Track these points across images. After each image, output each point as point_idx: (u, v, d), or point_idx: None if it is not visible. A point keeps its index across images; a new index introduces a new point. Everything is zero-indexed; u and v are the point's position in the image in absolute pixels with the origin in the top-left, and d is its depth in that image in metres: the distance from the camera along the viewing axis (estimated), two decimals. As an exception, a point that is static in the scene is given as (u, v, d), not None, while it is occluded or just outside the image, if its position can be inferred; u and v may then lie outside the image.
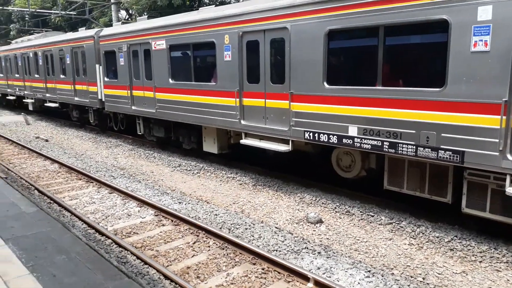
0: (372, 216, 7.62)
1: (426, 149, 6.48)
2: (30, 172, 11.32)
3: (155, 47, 12.03)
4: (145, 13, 20.98)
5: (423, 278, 5.62)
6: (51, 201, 8.77)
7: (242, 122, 9.63)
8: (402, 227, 7.17)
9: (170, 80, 11.69)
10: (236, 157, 11.80)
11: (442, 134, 6.26)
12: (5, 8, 31.08)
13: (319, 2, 7.56)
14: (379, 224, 7.35)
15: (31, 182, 10.00)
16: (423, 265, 5.97)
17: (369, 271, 5.73)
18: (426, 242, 6.66)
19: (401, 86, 6.85)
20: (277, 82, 8.68)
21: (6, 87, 25.45)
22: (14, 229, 6.01)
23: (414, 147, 6.62)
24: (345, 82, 7.54)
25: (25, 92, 22.71)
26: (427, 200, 7.28)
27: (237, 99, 9.59)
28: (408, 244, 6.63)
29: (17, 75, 23.46)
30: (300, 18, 7.90)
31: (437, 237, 6.71)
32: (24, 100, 23.37)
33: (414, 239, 6.78)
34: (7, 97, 26.06)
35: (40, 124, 20.99)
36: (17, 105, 26.12)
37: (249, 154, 11.54)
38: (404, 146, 6.75)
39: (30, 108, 22.77)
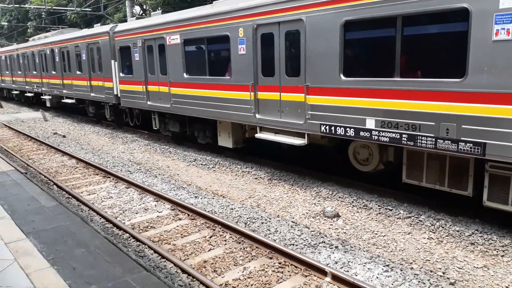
0: (390, 210, 7.51)
1: (446, 141, 6.34)
2: (49, 167, 11.50)
3: (169, 42, 12.05)
4: (159, 8, 21.02)
5: (443, 273, 5.51)
6: (70, 196, 8.89)
7: (257, 116, 9.58)
8: (421, 221, 7.05)
9: (185, 75, 11.70)
10: (251, 151, 11.78)
11: (463, 126, 6.11)
12: (22, 6, 31.55)
13: (335, -7, 7.43)
14: (398, 218, 7.24)
15: (49, 177, 10.16)
16: (443, 260, 5.86)
17: (387, 265, 5.64)
18: (446, 236, 6.53)
19: (420, 77, 6.70)
20: (292, 75, 8.59)
21: (25, 84, 25.89)
22: (35, 223, 6.11)
23: (434, 140, 6.48)
24: (362, 73, 7.42)
25: (43, 88, 23.07)
26: (446, 194, 7.14)
27: (252, 93, 9.54)
28: (428, 238, 6.52)
29: (34, 72, 23.84)
30: (316, 10, 7.79)
31: (457, 231, 6.58)
32: (42, 97, 23.75)
33: (434, 233, 6.67)
34: (26, 94, 26.52)
35: (57, 120, 21.31)
36: (35, 102, 26.57)
37: (264, 148, 11.50)
38: (423, 138, 6.61)
39: (48, 104, 23.13)
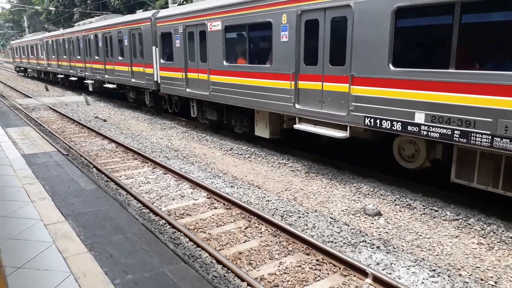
0: (436, 210, 7.08)
1: (504, 140, 5.84)
2: (89, 150, 11.72)
3: (210, 29, 11.91)
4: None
5: (495, 282, 5.11)
6: (108, 180, 8.98)
7: (297, 106, 9.29)
8: (470, 224, 6.59)
9: (225, 63, 11.54)
10: (288, 142, 11.52)
11: (525, 124, 5.60)
12: (69, -8, 32.46)
13: (387, -22, 6.98)
14: (444, 220, 6.81)
15: (90, 160, 10.33)
16: (494, 268, 5.43)
17: (433, 270, 5.29)
18: (498, 242, 6.06)
19: (478, 69, 6.20)
20: (337, 64, 8.22)
21: (69, 69, 26.67)
22: (74, 206, 6.15)
23: (490, 137, 5.99)
24: (413, 64, 6.96)
25: (86, 73, 23.67)
26: (500, 196, 6.63)
27: (292, 82, 9.24)
28: (477, 244, 6.07)
29: (79, 57, 24.47)
30: (365, -5, 7.37)
31: (511, 238, 6.09)
32: (84, 81, 24.39)
33: (484, 238, 6.21)
34: (70, 78, 27.34)
35: (99, 105, 21.83)
36: (79, 86, 27.35)
37: (301, 140, 11.20)
38: (477, 135, 6.13)
39: (90, 89, 23.72)
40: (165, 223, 6.71)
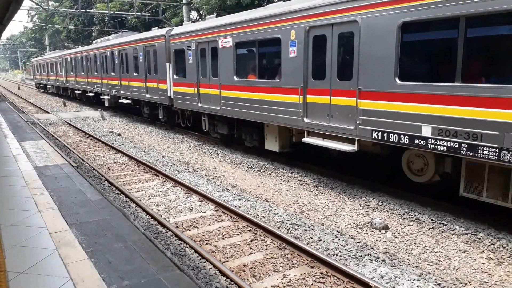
0: (445, 225, 6.99)
1: (512, 153, 5.78)
2: (102, 164, 11.95)
3: (221, 45, 12.15)
4: (215, 13, 21.38)
5: (504, 298, 5.00)
6: (119, 192, 9.13)
7: (305, 120, 9.36)
8: (479, 238, 6.49)
9: (235, 78, 11.73)
10: (297, 156, 11.55)
11: (532, 137, 5.54)
12: (87, 11, 33.49)
13: (392, -7, 7.08)
14: (453, 234, 6.72)
15: (102, 173, 10.53)
16: (503, 283, 5.33)
17: (439, 284, 5.22)
18: (508, 257, 5.95)
19: (483, 82, 6.19)
20: (344, 78, 8.30)
21: (86, 85, 27.35)
22: (79, 215, 6.31)
23: (497, 151, 5.94)
24: (419, 78, 6.99)
25: (102, 89, 24.22)
26: (510, 211, 6.52)
27: (301, 96, 9.33)
28: (486, 258, 5.97)
29: (95, 73, 25.11)
30: (372, 11, 7.46)
31: (522, 253, 5.97)
32: (101, 97, 24.95)
33: (493, 253, 6.10)
34: (87, 94, 28.01)
35: (114, 120, 22.26)
36: (95, 102, 27.97)
37: (311, 154, 11.22)
38: (485, 149, 6.08)
39: (106, 104, 24.24)
40: (172, 235, 6.78)
